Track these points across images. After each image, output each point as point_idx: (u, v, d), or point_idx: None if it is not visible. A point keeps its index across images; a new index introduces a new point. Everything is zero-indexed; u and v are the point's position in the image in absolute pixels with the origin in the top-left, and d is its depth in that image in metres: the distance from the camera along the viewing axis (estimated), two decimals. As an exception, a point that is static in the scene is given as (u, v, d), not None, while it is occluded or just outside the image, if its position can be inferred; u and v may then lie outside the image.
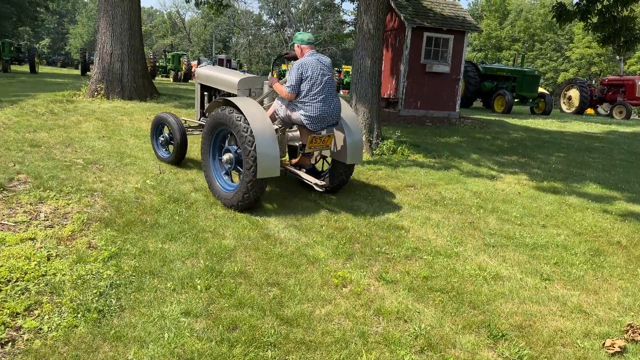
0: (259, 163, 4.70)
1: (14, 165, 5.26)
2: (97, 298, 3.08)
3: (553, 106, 21.08)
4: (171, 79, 28.68)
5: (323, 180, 5.45)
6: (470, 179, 7.05)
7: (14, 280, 3.14)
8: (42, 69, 31.76)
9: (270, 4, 71.72)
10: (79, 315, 2.89)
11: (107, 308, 2.99)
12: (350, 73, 29.38)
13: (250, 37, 73.85)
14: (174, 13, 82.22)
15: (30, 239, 3.77)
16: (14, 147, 5.87)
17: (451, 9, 14.53)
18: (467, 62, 17.89)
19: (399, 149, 8.27)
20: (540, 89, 20.86)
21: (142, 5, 12.16)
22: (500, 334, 3.13)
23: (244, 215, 4.83)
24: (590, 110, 24.50)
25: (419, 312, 3.33)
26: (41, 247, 3.66)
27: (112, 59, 10.91)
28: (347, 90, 30.14)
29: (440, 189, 6.44)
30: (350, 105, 8.44)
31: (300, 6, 70.59)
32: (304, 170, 5.46)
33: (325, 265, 3.94)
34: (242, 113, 4.82)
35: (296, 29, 72.78)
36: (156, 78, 25.40)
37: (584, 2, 11.31)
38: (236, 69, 18.42)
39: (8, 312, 2.82)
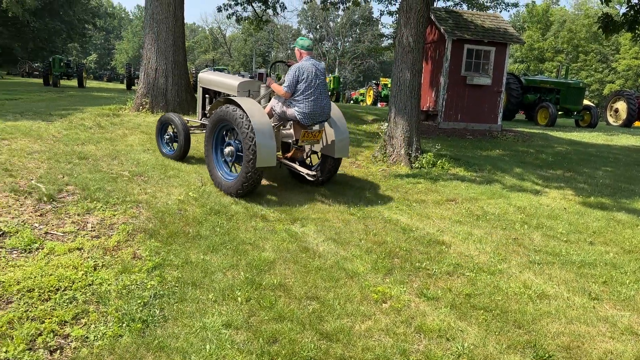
0: (258, 154, 5.29)
1: (63, 177, 5.46)
2: (141, 308, 3.15)
3: (599, 119, 20.40)
4: (212, 93, 29.33)
5: (314, 172, 6.17)
6: (514, 193, 6.88)
7: (62, 289, 3.25)
8: (90, 83, 33.05)
9: (309, 18, 72.58)
10: (124, 324, 2.96)
11: (151, 318, 3.05)
12: (389, 86, 29.32)
13: (289, 51, 74.79)
14: (215, 29, 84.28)
15: (78, 248, 3.90)
16: (63, 159, 6.10)
17: (492, 20, 14.34)
18: (509, 74, 17.56)
19: (438, 162, 8.16)
20: (585, 101, 20.23)
21: (185, 21, 12.51)
22: (547, 354, 3.02)
23: (283, 228, 4.86)
24: (638, 123, 23.58)
25: (461, 331, 3.26)
26: (88, 257, 3.77)
27: (156, 74, 11.24)
28: (384, 103, 30.05)
29: (483, 203, 6.31)
30: (390, 119, 8.42)
31: (338, 20, 71.12)
32: (297, 163, 6.19)
33: (365, 280, 3.90)
34: (243, 110, 5.40)
35: (334, 42, 73.31)
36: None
37: (632, 12, 10.95)
38: (276, 82, 18.63)
39: (57, 320, 2.91)
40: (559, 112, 19.11)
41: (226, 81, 6.71)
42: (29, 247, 3.78)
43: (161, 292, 3.39)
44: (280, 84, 5.83)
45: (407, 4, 8.17)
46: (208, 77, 7.13)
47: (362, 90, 34.53)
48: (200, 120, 7.32)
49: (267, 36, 72.13)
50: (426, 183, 7.07)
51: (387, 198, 6.26)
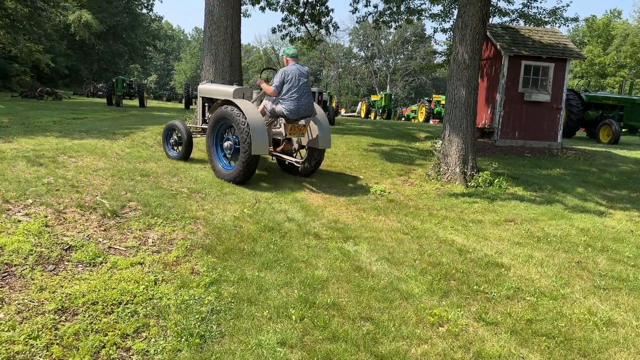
0: (253, 144, 6.28)
1: (126, 193, 5.69)
2: (199, 323, 3.21)
3: (667, 136, 19.29)
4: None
5: (301, 162, 7.26)
6: (576, 214, 6.58)
7: (125, 303, 3.36)
8: (150, 103, 34.47)
9: (361, 36, 73.04)
10: (183, 339, 3.02)
11: (208, 333, 3.10)
12: (442, 102, 28.90)
13: (340, 70, 75.43)
14: (269, 49, 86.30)
15: (139, 263, 4.04)
16: (126, 176, 6.36)
17: (550, 36, 13.94)
18: (568, 90, 16.96)
19: (495, 181, 7.94)
20: (652, 118, 19.20)
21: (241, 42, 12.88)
22: (618, 388, 2.84)
23: (336, 246, 4.85)
24: None
25: (523, 358, 3.12)
26: (149, 272, 3.89)
27: (213, 93, 11.60)
28: (437, 120, 29.64)
29: (543, 224, 6.07)
30: (444, 136, 8.30)
31: (390, 38, 71.17)
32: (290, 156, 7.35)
33: (420, 302, 3.82)
34: (240, 109, 6.45)
35: (385, 59, 73.31)
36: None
37: None
38: (326, 102, 18.83)
39: (119, 333, 3.01)
40: (623, 130, 18.23)
41: (223, 89, 7.67)
42: (93, 261, 3.95)
43: (218, 307, 3.45)
44: (270, 85, 6.84)
45: (462, 21, 8.09)
46: (207, 88, 8.15)
47: (413, 107, 34.20)
48: (201, 125, 8.22)
49: (319, 55, 73.07)
50: (483, 203, 6.88)
51: (442, 217, 6.14)
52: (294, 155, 7.62)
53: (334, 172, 8.30)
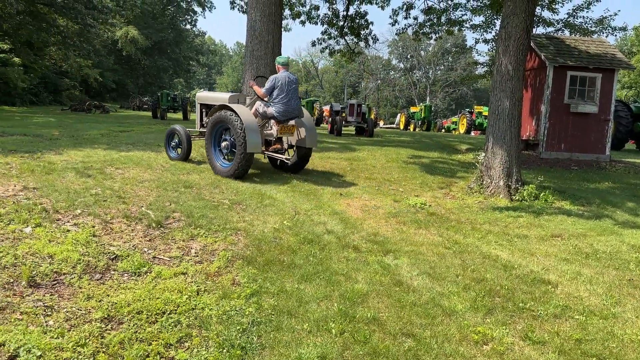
0: (247, 143, 7.01)
1: (170, 204, 5.82)
2: (240, 334, 3.22)
3: None
4: (304, 123, 30.13)
5: (290, 159, 8.20)
6: (627, 230, 6.31)
7: (168, 313, 3.42)
8: (193, 116, 35.30)
9: (400, 48, 72.84)
10: (224, 350, 3.04)
11: (249, 345, 3.12)
12: (484, 114, 28.35)
13: (379, 81, 75.34)
14: (308, 62, 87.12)
15: (183, 273, 4.10)
16: (170, 187, 6.51)
17: (597, 46, 13.52)
18: (617, 101, 16.37)
19: (541, 194, 7.71)
20: None
21: (282, 56, 13.04)
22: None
23: (375, 259, 4.80)
24: None
25: (573, 380, 2.99)
26: (192, 282, 3.95)
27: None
28: (478, 132, 29.12)
29: (592, 240, 5.84)
30: (487, 148, 8.14)
31: (430, 49, 70.67)
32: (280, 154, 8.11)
33: (463, 319, 3.73)
34: (236, 113, 7.18)
35: (425, 71, 72.79)
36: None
37: None
38: (365, 114, 18.83)
39: (163, 342, 3.06)
40: (676, 142, 17.44)
41: (219, 96, 8.64)
42: (138, 270, 4.04)
43: (258, 319, 3.46)
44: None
45: (505, 32, 7.95)
46: (205, 95, 9.07)
47: (454, 119, 33.75)
48: (199, 129, 9.00)
49: (358, 67, 73.22)
50: (528, 217, 6.69)
51: (485, 232, 5.99)
52: (283, 153, 8.34)
53: (373, 184, 8.25)
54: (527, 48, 8.12)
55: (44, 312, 3.23)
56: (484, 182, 8.05)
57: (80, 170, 6.74)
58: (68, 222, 4.82)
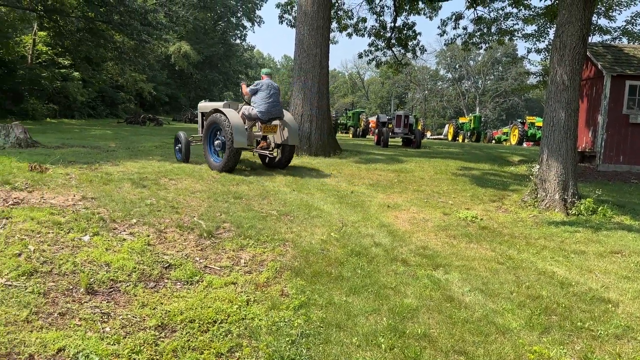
0: (234, 140, 8.06)
1: (220, 214, 5.93)
2: (289, 346, 3.23)
3: None
4: (350, 135, 30.17)
5: (278, 159, 9.47)
6: (696, 247, 5.93)
7: (219, 322, 3.46)
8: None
9: (448, 58, 71.96)
10: (273, 361, 3.05)
11: (298, 357, 3.11)
12: (536, 124, 27.49)
13: (427, 92, 74.58)
14: (354, 74, 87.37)
15: (233, 283, 4.16)
16: (220, 198, 6.65)
17: (660, 52, 12.90)
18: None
19: (599, 209, 7.37)
20: None
21: (329, 68, 13.13)
22: None
23: (425, 274, 4.71)
24: None
25: (639, 407, 2.81)
26: (241, 292, 4.00)
27: (302, 119, 11.92)
28: (530, 143, 28.27)
29: (656, 258, 5.51)
30: (541, 161, 7.88)
31: (479, 59, 69.44)
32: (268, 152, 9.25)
33: (518, 337, 3.59)
34: (225, 115, 8.31)
35: (474, 81, 71.52)
36: (337, 134, 26.97)
37: None
38: (412, 125, 18.66)
39: (214, 351, 3.10)
40: None
41: (215, 104, 9.68)
42: (190, 279, 4.13)
43: (307, 331, 3.45)
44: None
45: (560, 41, 7.71)
46: (204, 105, 10.35)
47: (505, 130, 32.93)
48: (201, 134, 9.83)
49: (405, 78, 72.81)
50: (586, 232, 6.40)
51: (541, 247, 5.78)
52: (272, 151, 9.39)
53: (421, 196, 8.13)
54: (583, 57, 7.83)
55: (101, 319, 3.35)
56: (539, 196, 7.78)
57: (135, 181, 6.98)
58: (124, 231, 5.00)
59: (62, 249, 4.35)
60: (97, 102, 36.59)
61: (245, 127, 8.65)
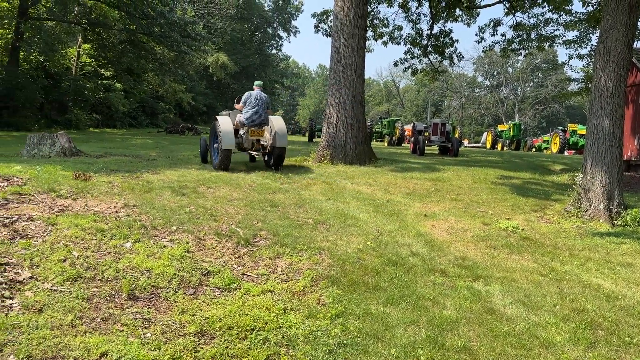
0: (222, 142, 9.42)
1: (257, 222, 5.98)
2: (327, 356, 3.21)
3: None
4: (385, 144, 30.01)
5: (268, 159, 10.59)
6: None
7: (257, 330, 3.48)
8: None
9: (486, 65, 70.86)
10: (311, 371, 3.04)
11: (335, 368, 3.09)
12: (579, 132, 26.68)
13: (464, 99, 73.57)
14: (389, 82, 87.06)
15: (270, 291, 4.18)
16: (257, 206, 6.71)
17: None
18: None
19: (647, 220, 7.07)
20: None
21: (365, 77, 13.13)
22: None
23: (464, 285, 4.62)
24: None
25: None
26: (278, 300, 4.01)
27: (337, 127, 11.92)
28: (572, 151, 27.45)
29: None
30: (585, 170, 7.64)
31: (518, 65, 68.10)
32: (263, 154, 10.58)
33: (562, 352, 3.47)
34: (218, 121, 9.77)
35: (513, 88, 70.17)
36: (372, 143, 26.88)
37: None
38: (449, 133, 18.37)
39: (252, 359, 3.11)
40: None
41: (223, 113, 10.86)
42: (228, 286, 4.17)
43: (344, 341, 3.43)
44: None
45: (604, 47, 7.48)
46: (220, 115, 11.18)
47: (546, 137, 32.07)
48: None
49: (441, 85, 72.06)
50: (633, 244, 6.15)
51: (585, 259, 5.58)
52: (265, 152, 10.50)
53: (459, 205, 7.99)
54: (628, 63, 7.57)
55: (142, 325, 3.42)
56: (582, 206, 7.53)
57: (175, 189, 7.13)
58: (164, 238, 5.10)
59: (105, 255, 4.47)
60: (138, 112, 37.68)
61: (242, 132, 10.08)
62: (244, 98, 9.95)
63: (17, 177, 6.52)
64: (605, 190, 7.29)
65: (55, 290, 3.71)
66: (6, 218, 4.91)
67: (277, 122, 10.29)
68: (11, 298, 3.52)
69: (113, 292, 3.83)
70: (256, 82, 10.46)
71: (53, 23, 25.80)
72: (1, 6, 23.46)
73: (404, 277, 4.74)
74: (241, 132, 10.07)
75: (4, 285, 3.66)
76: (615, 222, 7.11)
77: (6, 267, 3.95)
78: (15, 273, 3.88)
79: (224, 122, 9.78)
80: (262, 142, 10.32)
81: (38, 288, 3.71)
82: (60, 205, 5.67)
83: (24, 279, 3.81)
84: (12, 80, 22.80)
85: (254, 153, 10.34)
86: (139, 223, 5.37)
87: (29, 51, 25.73)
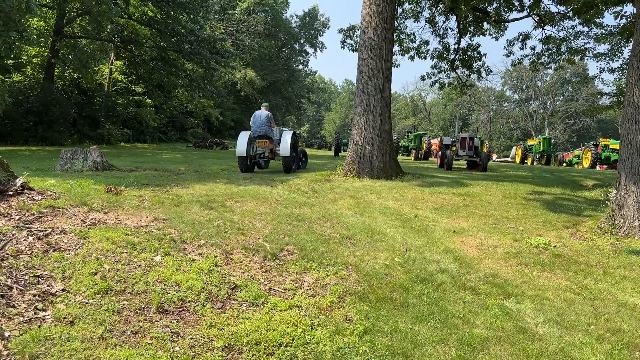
0: (237, 151, 12.12)
1: (284, 237, 6.00)
2: (354, 374, 3.18)
3: None
4: (412, 158, 29.81)
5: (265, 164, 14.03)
6: None
7: (284, 345, 3.47)
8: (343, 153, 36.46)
9: (514, 79, 70.05)
10: (339, 388, 3.00)
11: (363, 386, 3.05)
12: (611, 147, 26.05)
13: (492, 113, 72.74)
14: (416, 96, 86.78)
15: (296, 306, 4.17)
16: (284, 221, 6.73)
17: None
18: None
19: (686, 237, 6.82)
20: None
21: (392, 91, 13.12)
22: None
23: (495, 303, 4.52)
24: None
25: None
26: (305, 315, 4.00)
27: (364, 142, 11.92)
28: (604, 166, 26.79)
29: None
30: (619, 185, 7.44)
31: (547, 79, 67.09)
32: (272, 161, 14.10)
33: (599, 374, 3.36)
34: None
35: (542, 102, 69.10)
36: (398, 157, 26.74)
37: None
38: (477, 147, 18.13)
39: (281, 375, 3.10)
40: None
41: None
42: (256, 301, 4.18)
43: (372, 358, 3.39)
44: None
45: (638, 60, 7.31)
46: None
47: (577, 152, 31.40)
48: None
49: (468, 99, 71.45)
50: (671, 262, 5.93)
51: (620, 277, 5.40)
52: (273, 157, 13.17)
53: (489, 221, 7.86)
54: (664, 75, 7.38)
55: (171, 338, 3.44)
56: (616, 222, 7.31)
57: (204, 203, 7.21)
58: (193, 251, 5.15)
59: (135, 268, 4.54)
60: (168, 127, 38.45)
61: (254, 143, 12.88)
62: (253, 116, 12.63)
63: (51, 191, 6.70)
64: (641, 207, 7.07)
65: (87, 303, 3.77)
66: (40, 231, 5.04)
67: (284, 136, 12.47)
68: (44, 310, 3.60)
69: (143, 305, 3.87)
70: (263, 103, 13.15)
71: (87, 41, 26.65)
72: (38, 25, 24.36)
73: (433, 294, 4.67)
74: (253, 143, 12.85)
75: (37, 297, 3.75)
76: (653, 239, 6.88)
77: (40, 279, 4.05)
78: (48, 285, 3.97)
79: (240, 137, 12.46)
80: (266, 153, 12.92)
81: (70, 300, 3.78)
82: (92, 219, 5.80)
83: (56, 291, 3.90)
84: (47, 97, 23.59)
85: (261, 161, 13.35)
86: (169, 237, 5.44)
87: (63, 68, 26.62)
